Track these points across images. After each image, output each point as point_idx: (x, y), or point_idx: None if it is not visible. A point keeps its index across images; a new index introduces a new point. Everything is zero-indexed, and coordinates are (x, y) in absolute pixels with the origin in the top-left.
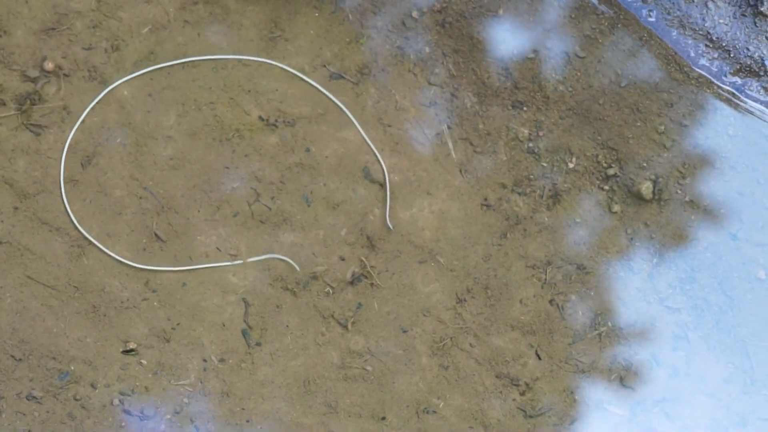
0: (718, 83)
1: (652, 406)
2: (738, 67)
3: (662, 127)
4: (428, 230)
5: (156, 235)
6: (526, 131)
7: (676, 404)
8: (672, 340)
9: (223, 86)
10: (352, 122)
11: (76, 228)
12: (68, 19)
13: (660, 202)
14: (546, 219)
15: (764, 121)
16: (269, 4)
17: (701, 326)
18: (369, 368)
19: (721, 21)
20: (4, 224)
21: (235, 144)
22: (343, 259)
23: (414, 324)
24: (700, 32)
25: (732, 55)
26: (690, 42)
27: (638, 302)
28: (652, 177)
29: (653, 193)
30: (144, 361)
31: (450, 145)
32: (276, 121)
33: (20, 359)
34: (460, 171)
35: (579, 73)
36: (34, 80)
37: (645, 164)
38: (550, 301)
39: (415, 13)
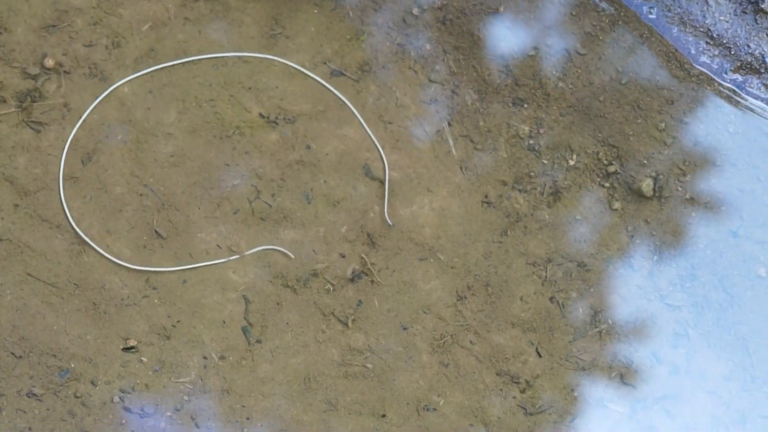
0: (718, 80)
1: (652, 403)
2: (739, 64)
3: (663, 125)
4: (429, 227)
5: (156, 232)
6: (527, 128)
7: (677, 402)
8: (672, 337)
9: (223, 83)
10: (354, 118)
11: (75, 228)
12: (69, 16)
13: (660, 200)
14: (546, 216)
15: (765, 118)
16: (270, 1)
17: (701, 324)
18: (369, 365)
19: (721, 18)
20: (4, 221)
21: (236, 141)
22: (343, 257)
23: (414, 321)
24: (701, 29)
25: (733, 53)
26: (691, 39)
27: (638, 299)
28: (653, 174)
29: (654, 190)
30: (144, 359)
31: (450, 142)
32: (276, 118)
33: (20, 356)
34: (461, 168)
35: (580, 70)
36: (34, 77)
37: (645, 161)
38: (551, 299)
39: (415, 10)
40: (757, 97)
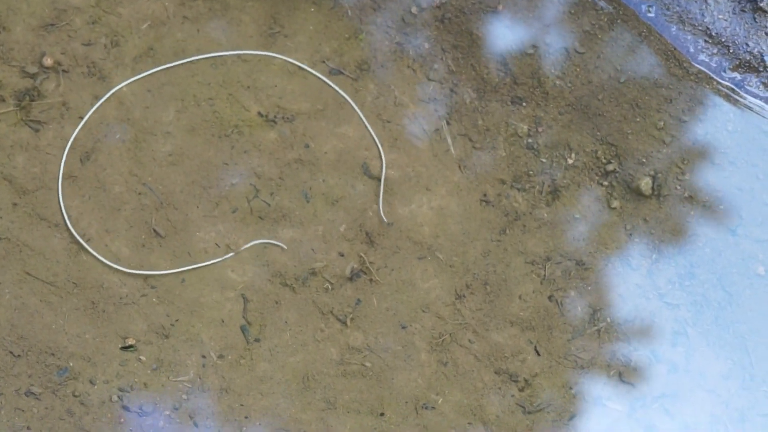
0: (717, 79)
1: (651, 402)
2: (737, 62)
3: (661, 123)
4: (427, 226)
5: (155, 231)
6: (526, 127)
7: (676, 400)
8: (671, 336)
9: (222, 82)
10: (352, 117)
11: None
12: (67, 15)
13: (659, 198)
14: (545, 215)
15: (763, 116)
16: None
17: (700, 322)
18: (368, 364)
19: (720, 17)
20: (2, 220)
21: (234, 140)
22: (342, 255)
23: (413, 320)
24: (700, 28)
25: (731, 51)
26: (689, 38)
27: (637, 298)
28: (652, 173)
29: (652, 188)
30: (143, 358)
31: (449, 140)
32: (275, 117)
33: (19, 355)
34: (459, 167)
35: (578, 69)
36: (33, 76)
37: (644, 160)
38: (549, 297)
39: (414, 9)
40: (755, 96)
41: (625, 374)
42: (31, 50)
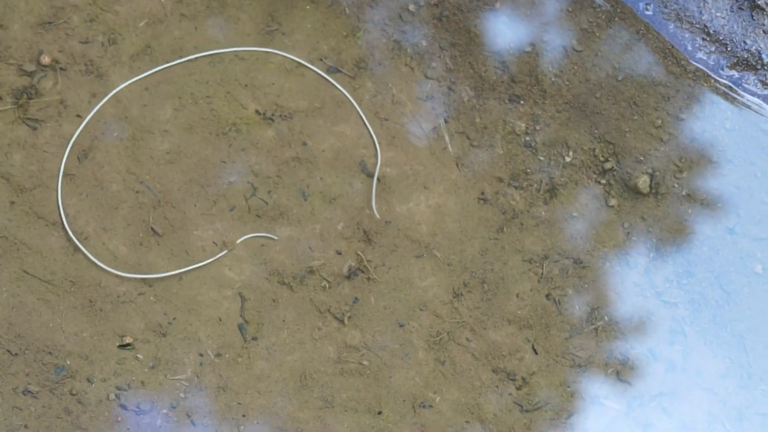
0: (715, 77)
1: (648, 400)
2: (735, 60)
3: (659, 121)
4: (425, 224)
5: (153, 229)
6: (523, 125)
7: (673, 399)
8: (669, 334)
9: (219, 80)
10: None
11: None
12: (65, 13)
13: (657, 196)
14: (543, 213)
15: (761, 114)
16: None
17: (698, 321)
18: (365, 363)
19: (718, 14)
20: (0, 218)
21: (232, 138)
22: (339, 254)
23: (410, 318)
24: (697, 25)
25: (729, 49)
26: (687, 35)
27: (635, 296)
28: (649, 171)
29: (650, 187)
30: (140, 356)
31: (447, 138)
32: (273, 115)
33: (16, 354)
34: (457, 165)
35: (576, 67)
36: (30, 74)
37: (642, 158)
38: (547, 296)
39: (411, 7)
40: (753, 94)
41: (622, 373)
42: (28, 48)
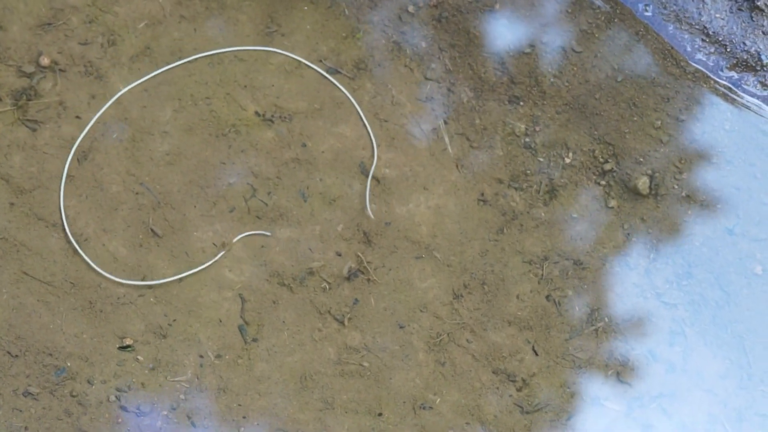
0: (714, 78)
1: (649, 401)
2: (734, 61)
3: (659, 122)
4: (425, 226)
5: (152, 230)
6: (523, 126)
7: (673, 400)
8: (669, 335)
9: (219, 81)
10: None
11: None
12: (64, 15)
13: (657, 197)
14: (543, 214)
15: (761, 116)
16: None
17: (698, 322)
18: (365, 364)
19: (717, 15)
20: (0, 220)
21: (232, 139)
22: (339, 255)
23: (410, 320)
24: (697, 27)
25: (728, 50)
26: (686, 36)
27: (635, 298)
28: (649, 172)
29: (650, 188)
30: (140, 358)
31: (446, 140)
32: (272, 116)
33: (16, 356)
34: (457, 166)
35: (575, 68)
36: (30, 76)
37: (642, 159)
38: (547, 297)
39: (411, 8)
40: (753, 95)
41: (622, 374)
42: (28, 49)
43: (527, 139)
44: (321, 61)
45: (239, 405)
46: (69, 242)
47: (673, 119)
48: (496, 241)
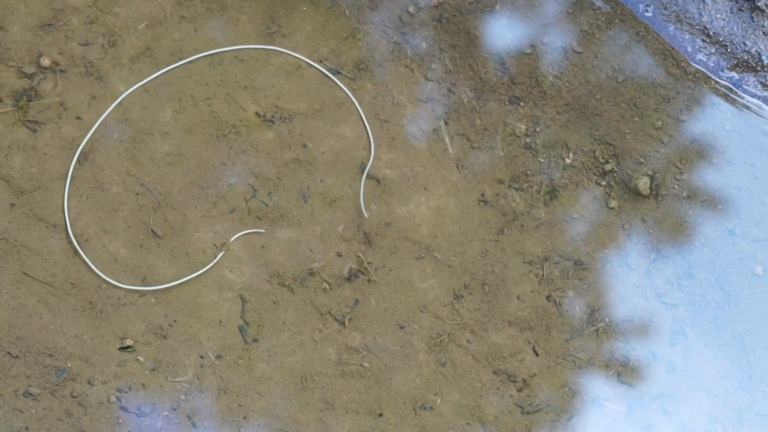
0: (715, 78)
1: (649, 402)
2: (735, 62)
3: (659, 123)
4: (425, 226)
5: (153, 231)
6: (523, 127)
7: (674, 400)
8: (669, 336)
9: (219, 82)
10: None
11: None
12: (65, 15)
13: (657, 198)
14: (543, 215)
15: (761, 116)
16: None
17: (698, 322)
18: (366, 365)
19: (718, 16)
20: (0, 221)
21: (232, 140)
22: (340, 255)
23: (411, 320)
24: (697, 27)
25: (729, 50)
26: (687, 37)
27: (635, 298)
28: (650, 172)
29: (650, 188)
30: (141, 358)
31: (447, 140)
32: (273, 116)
33: (17, 356)
34: (457, 167)
35: (576, 69)
36: (30, 76)
37: (642, 160)
38: (548, 297)
39: (411, 9)
40: (753, 95)
41: (623, 374)
42: (28, 50)
43: (528, 140)
44: (322, 61)
45: (240, 405)
46: (70, 243)
47: (674, 120)
48: (496, 241)
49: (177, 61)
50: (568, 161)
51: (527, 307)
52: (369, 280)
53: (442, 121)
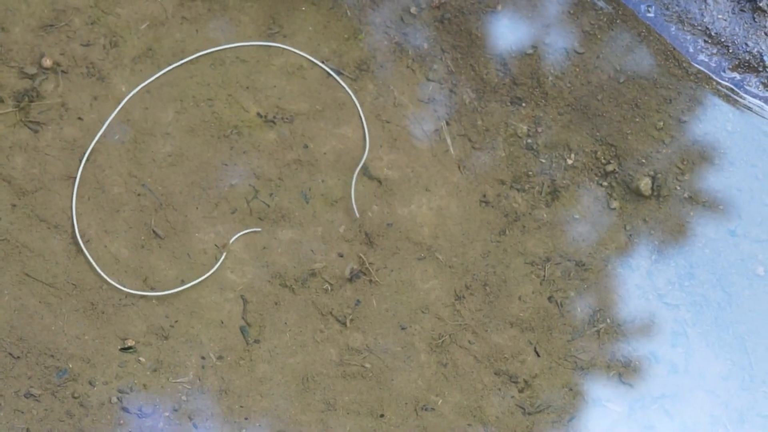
0: (716, 79)
1: (651, 402)
2: (737, 62)
3: (661, 123)
4: (427, 227)
5: (154, 232)
6: (525, 127)
7: (675, 401)
8: (671, 336)
9: (221, 82)
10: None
11: (75, 227)
12: (66, 16)
13: (659, 199)
14: (545, 215)
15: (763, 117)
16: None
17: (700, 323)
18: (367, 365)
19: (719, 16)
20: (1, 221)
21: (234, 141)
22: (341, 256)
23: (412, 321)
24: (699, 28)
25: (731, 51)
26: (689, 37)
27: (637, 299)
28: (651, 173)
29: (652, 189)
30: (142, 359)
31: (448, 141)
32: (274, 117)
33: (18, 357)
34: (459, 167)
35: (578, 69)
36: (32, 77)
37: (644, 160)
38: (549, 298)
39: (413, 9)
40: (755, 96)
41: (624, 375)
42: (30, 51)
43: (529, 140)
44: (323, 62)
45: (241, 406)
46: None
47: (676, 120)
48: (498, 242)
49: (178, 62)
50: (569, 162)
51: (529, 308)
52: (370, 281)
53: (444, 122)
